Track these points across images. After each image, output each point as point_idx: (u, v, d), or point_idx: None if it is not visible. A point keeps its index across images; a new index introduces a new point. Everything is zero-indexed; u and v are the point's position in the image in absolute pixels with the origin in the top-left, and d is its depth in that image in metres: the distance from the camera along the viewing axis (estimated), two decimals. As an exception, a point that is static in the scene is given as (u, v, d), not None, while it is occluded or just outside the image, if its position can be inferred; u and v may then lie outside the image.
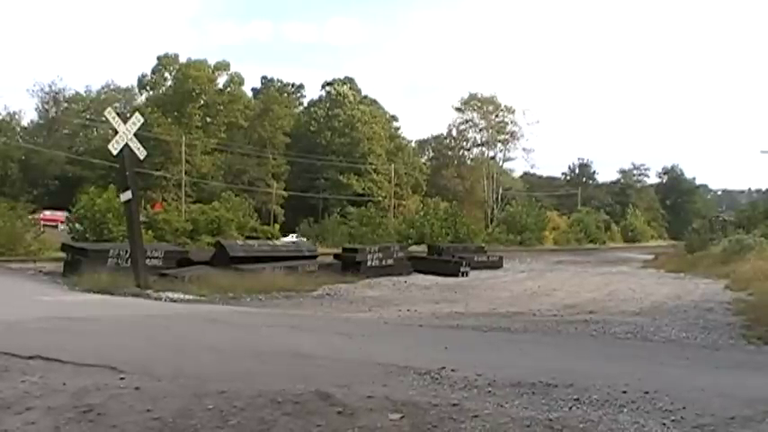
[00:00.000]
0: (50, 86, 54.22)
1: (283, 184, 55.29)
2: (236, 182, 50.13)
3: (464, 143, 67.93)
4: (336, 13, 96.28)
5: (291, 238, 36.38)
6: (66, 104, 55.96)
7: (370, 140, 58.09)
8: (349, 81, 60.87)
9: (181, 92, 52.97)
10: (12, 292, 12.27)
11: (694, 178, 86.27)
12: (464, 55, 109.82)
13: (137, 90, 57.63)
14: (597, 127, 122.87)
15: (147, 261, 15.00)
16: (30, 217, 21.94)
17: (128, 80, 77.70)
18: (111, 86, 58.68)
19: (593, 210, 66.49)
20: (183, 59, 54.39)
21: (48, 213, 34.40)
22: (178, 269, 16.01)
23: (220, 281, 14.75)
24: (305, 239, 25.73)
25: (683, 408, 4.44)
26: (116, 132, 14.37)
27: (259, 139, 55.97)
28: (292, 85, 64.18)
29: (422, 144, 69.56)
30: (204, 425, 3.88)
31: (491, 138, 66.26)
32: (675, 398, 4.67)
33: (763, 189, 68.41)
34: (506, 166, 70.71)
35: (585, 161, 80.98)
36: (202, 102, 55.00)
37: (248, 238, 27.26)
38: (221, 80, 56.08)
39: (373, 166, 57.34)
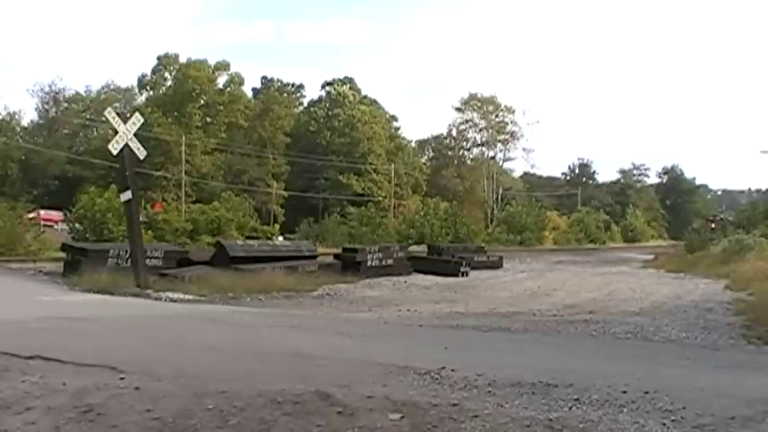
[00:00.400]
0: (50, 86, 54.31)
1: (283, 184, 55.29)
2: (236, 182, 50.14)
3: (464, 143, 68.01)
4: (337, 13, 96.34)
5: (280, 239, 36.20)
6: (66, 104, 55.98)
7: (370, 140, 58.10)
8: (349, 81, 60.90)
9: (181, 92, 52.98)
10: (12, 292, 12.28)
11: (694, 178, 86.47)
12: (464, 55, 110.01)
13: (137, 90, 57.70)
14: (597, 127, 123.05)
15: (147, 261, 15.00)
16: (25, 216, 21.90)
17: (128, 80, 77.85)
18: (111, 86, 58.76)
19: (593, 210, 66.46)
20: (183, 59, 54.47)
21: (43, 213, 34.37)
22: (178, 269, 16.01)
23: (220, 281, 14.75)
24: (292, 240, 25.60)
25: (683, 408, 4.44)
26: (116, 132, 14.37)
27: (259, 139, 55.97)
28: (292, 85, 64.23)
29: (422, 144, 69.60)
30: (204, 425, 3.88)
31: (491, 138, 66.29)
32: (675, 398, 4.67)
33: (763, 189, 68.53)
34: (506, 166, 70.85)
35: (585, 161, 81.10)
36: (202, 102, 55.01)
37: (248, 238, 27.26)
38: (221, 80, 56.16)
39: (373, 166, 57.34)
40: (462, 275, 20.99)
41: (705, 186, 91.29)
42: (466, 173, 64.81)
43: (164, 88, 54.99)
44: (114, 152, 14.40)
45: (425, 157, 68.96)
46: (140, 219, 18.09)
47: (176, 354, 6.22)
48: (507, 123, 65.95)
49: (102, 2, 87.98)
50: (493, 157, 67.18)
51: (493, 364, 5.94)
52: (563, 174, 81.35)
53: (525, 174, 76.32)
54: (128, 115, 15.77)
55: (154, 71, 55.08)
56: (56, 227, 30.71)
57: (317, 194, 54.79)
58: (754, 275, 16.70)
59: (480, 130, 66.50)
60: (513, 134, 66.12)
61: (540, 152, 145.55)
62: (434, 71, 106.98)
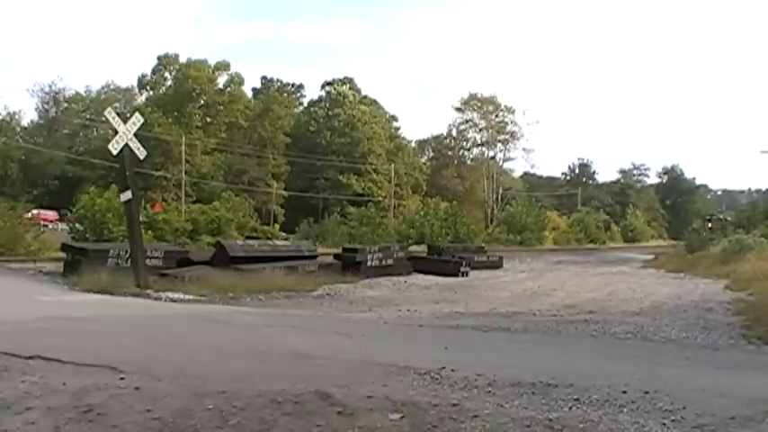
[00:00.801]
0: (50, 86, 54.42)
1: (283, 184, 55.30)
2: (236, 182, 50.15)
3: (464, 143, 68.05)
4: (337, 13, 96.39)
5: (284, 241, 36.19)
6: (66, 104, 56.04)
7: (370, 140, 58.11)
8: (349, 81, 60.91)
9: (181, 92, 53.02)
10: (12, 292, 12.27)
11: (694, 178, 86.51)
12: (464, 55, 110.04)
13: (137, 90, 57.78)
14: (597, 127, 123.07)
15: (147, 261, 14.99)
16: (25, 216, 21.89)
17: (128, 80, 78.00)
18: (111, 86, 58.84)
19: (593, 210, 66.47)
20: (183, 59, 54.55)
21: (36, 213, 34.32)
22: (178, 269, 16.00)
23: (220, 281, 14.74)
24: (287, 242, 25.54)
25: (683, 408, 4.44)
26: (116, 132, 14.36)
27: (259, 139, 55.99)
28: (292, 85, 64.23)
29: (422, 144, 69.62)
30: (204, 425, 3.88)
31: (491, 138, 66.31)
32: (675, 398, 4.67)
33: (764, 189, 68.50)
34: (506, 166, 70.88)
35: (585, 161, 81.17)
36: (202, 102, 55.06)
37: (248, 238, 27.22)
38: (221, 80, 56.21)
39: (373, 166, 57.35)
40: (462, 275, 20.98)
41: (705, 186, 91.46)
42: (466, 173, 64.82)
43: (164, 88, 55.03)
44: (114, 152, 14.39)
45: (425, 157, 68.99)
46: (140, 219, 18.08)
47: (176, 354, 6.22)
48: (507, 123, 66.06)
49: (102, 2, 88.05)
50: (493, 157, 67.26)
51: (493, 364, 5.94)
52: (563, 174, 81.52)
53: (525, 174, 76.43)
54: (128, 115, 15.76)
55: (154, 71, 55.14)
56: (50, 226, 30.70)
57: (317, 194, 54.80)
58: (754, 275, 16.69)
59: (480, 130, 66.59)
60: (513, 134, 66.25)
61: (540, 152, 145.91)
62: (434, 71, 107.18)
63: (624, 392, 4.82)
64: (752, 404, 4.60)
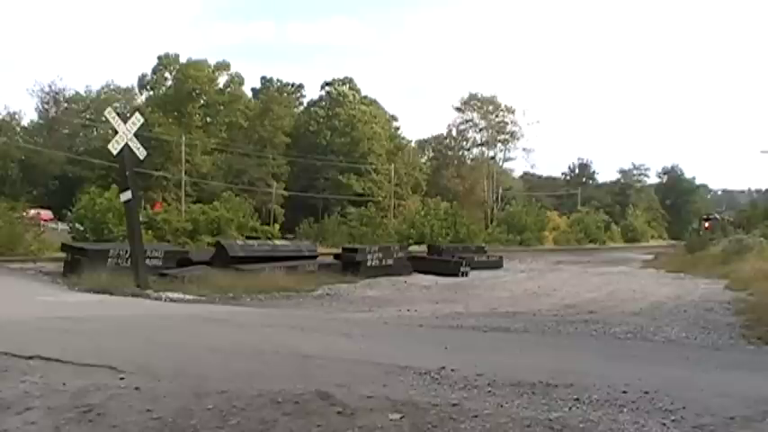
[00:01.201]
0: (50, 86, 54.44)
1: (283, 184, 55.29)
2: (236, 182, 50.13)
3: (464, 143, 68.09)
4: (337, 13, 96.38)
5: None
6: (66, 104, 56.05)
7: (370, 140, 58.12)
8: (349, 81, 60.89)
9: (181, 92, 53.03)
10: (12, 292, 12.26)
11: (694, 178, 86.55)
12: (464, 55, 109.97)
13: (137, 90, 57.85)
14: (597, 127, 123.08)
15: (147, 261, 14.98)
16: (25, 216, 21.88)
17: (128, 80, 78.02)
18: (111, 86, 58.84)
19: (593, 210, 66.50)
20: (183, 59, 54.51)
21: (32, 213, 34.21)
22: (178, 269, 15.99)
23: (220, 281, 14.74)
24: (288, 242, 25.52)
25: (683, 408, 4.44)
26: (116, 132, 14.35)
27: (259, 139, 56.00)
28: (292, 85, 64.23)
29: (422, 144, 69.60)
30: (204, 425, 3.88)
31: (491, 138, 66.34)
32: (675, 398, 4.67)
33: (764, 189, 68.48)
34: (506, 166, 70.96)
35: (585, 161, 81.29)
36: (202, 102, 55.09)
37: (248, 238, 27.18)
38: (222, 80, 56.21)
39: (373, 166, 57.35)
40: (462, 275, 20.97)
41: (705, 186, 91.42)
42: (466, 173, 64.84)
43: (164, 88, 55.05)
44: (114, 152, 14.38)
45: (425, 157, 68.97)
46: (140, 219, 18.08)
47: (176, 354, 6.22)
48: (507, 123, 66.10)
49: (102, 2, 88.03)
50: (493, 157, 67.29)
51: (493, 364, 5.93)
52: (563, 174, 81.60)
53: (525, 174, 76.55)
54: (128, 115, 15.75)
55: (154, 71, 55.16)
56: (48, 226, 30.63)
57: (317, 194, 54.79)
58: (754, 275, 16.70)
59: (480, 130, 66.63)
60: (513, 134, 66.31)
61: (540, 152, 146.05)
62: (435, 71, 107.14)
63: (624, 392, 4.82)
64: (752, 404, 4.60)
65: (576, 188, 74.20)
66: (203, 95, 54.57)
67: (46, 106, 55.21)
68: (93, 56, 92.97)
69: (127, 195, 14.56)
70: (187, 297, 13.00)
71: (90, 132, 55.69)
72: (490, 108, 65.58)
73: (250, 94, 60.60)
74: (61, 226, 29.01)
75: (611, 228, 64.93)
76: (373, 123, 59.30)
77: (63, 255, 16.76)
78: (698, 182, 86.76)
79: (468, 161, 67.91)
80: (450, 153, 68.13)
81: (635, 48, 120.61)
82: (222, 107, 55.39)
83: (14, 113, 52.07)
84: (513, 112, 65.56)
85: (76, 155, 50.74)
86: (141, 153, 14.78)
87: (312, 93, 64.96)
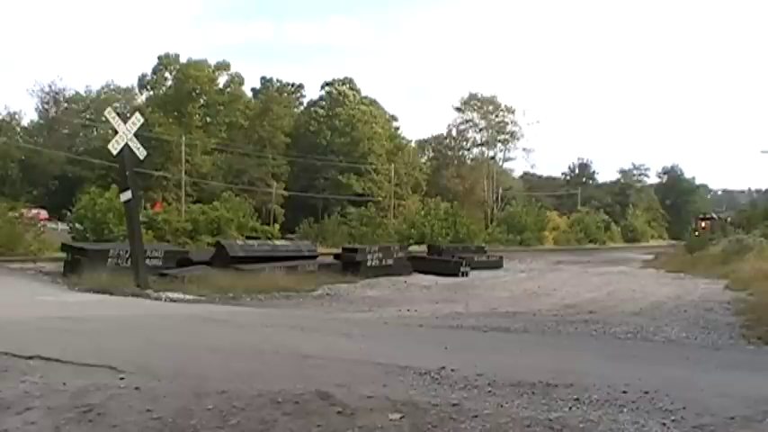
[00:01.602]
0: (50, 86, 54.37)
1: (283, 184, 55.29)
2: (236, 182, 50.11)
3: (464, 143, 68.05)
4: (337, 13, 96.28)
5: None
6: (66, 104, 56.01)
7: (370, 140, 58.09)
8: (349, 81, 60.87)
9: (181, 92, 53.00)
10: (12, 292, 12.26)
11: (694, 178, 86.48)
12: (464, 55, 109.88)
13: (137, 90, 57.77)
14: (597, 127, 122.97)
15: (147, 261, 14.98)
16: (25, 216, 21.90)
17: (128, 80, 77.95)
18: (111, 86, 58.80)
19: (593, 210, 66.50)
20: (183, 59, 54.45)
21: (36, 213, 34.20)
22: (178, 269, 16.00)
23: (220, 281, 14.74)
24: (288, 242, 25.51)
25: (683, 408, 4.44)
26: (116, 132, 14.35)
27: (259, 139, 55.99)
28: (292, 85, 64.21)
29: (422, 144, 69.55)
30: (204, 425, 3.88)
31: (491, 138, 66.31)
32: (675, 398, 4.67)
33: (764, 189, 68.45)
34: (506, 166, 70.89)
35: (585, 161, 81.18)
36: (203, 102, 55.05)
37: (248, 238, 27.19)
38: (222, 80, 56.17)
39: (373, 166, 57.34)
40: (462, 275, 20.98)
41: (705, 186, 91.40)
42: (466, 173, 64.80)
43: (164, 88, 55.00)
44: (114, 152, 14.38)
45: (425, 157, 68.93)
46: (140, 219, 18.07)
47: (176, 354, 6.22)
48: (507, 123, 66.04)
49: (102, 2, 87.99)
50: (493, 157, 67.24)
51: (493, 364, 5.94)
52: (563, 174, 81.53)
53: (525, 174, 76.50)
54: (128, 115, 15.74)
55: (154, 71, 55.10)
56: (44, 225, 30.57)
57: (317, 194, 54.78)
58: (754, 275, 16.70)
59: (480, 130, 66.58)
60: (512, 134, 66.24)
61: (540, 152, 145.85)
62: (434, 71, 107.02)
63: (624, 392, 4.83)
64: (752, 404, 4.60)
65: (576, 188, 74.17)
66: (203, 95, 54.54)
67: (46, 106, 55.21)
68: (93, 56, 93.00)
69: (127, 195, 14.56)
70: (187, 297, 13.01)
71: (90, 132, 55.67)
72: (490, 108, 65.55)
73: (250, 95, 60.60)
74: (61, 226, 28.96)
75: (611, 228, 64.92)
76: (373, 123, 59.28)
77: (63, 255, 16.77)
78: (698, 182, 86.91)
79: (468, 161, 67.88)
80: (450, 153, 68.10)
81: (635, 48, 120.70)
82: (222, 107, 55.37)
83: (14, 113, 52.08)
84: (513, 112, 65.63)
85: (76, 155, 50.72)
86: (141, 153, 14.78)
87: (312, 93, 65.03)
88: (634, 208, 72.59)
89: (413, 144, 67.14)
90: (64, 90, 55.32)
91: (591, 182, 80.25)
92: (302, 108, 63.17)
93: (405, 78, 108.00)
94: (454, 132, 67.51)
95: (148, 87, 55.90)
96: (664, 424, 4.13)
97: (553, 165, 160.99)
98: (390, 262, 20.74)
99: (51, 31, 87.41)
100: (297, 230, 38.61)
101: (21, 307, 9.62)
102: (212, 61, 55.11)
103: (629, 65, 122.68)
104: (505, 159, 69.22)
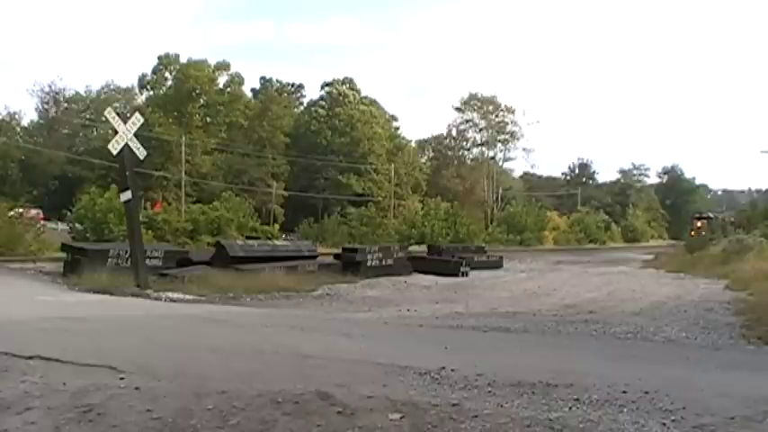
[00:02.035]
0: (50, 86, 54.40)
1: (283, 183, 55.29)
2: (236, 182, 50.12)
3: (464, 143, 68.03)
4: (338, 13, 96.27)
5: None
6: (66, 104, 56.03)
7: (370, 140, 58.11)
8: (348, 81, 60.88)
9: (181, 92, 53.00)
10: (12, 292, 12.26)
11: (694, 178, 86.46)
12: (464, 55, 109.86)
13: (137, 90, 57.75)
14: (597, 127, 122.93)
15: (147, 261, 14.98)
16: (25, 216, 21.91)
17: (128, 80, 77.96)
18: (111, 86, 58.84)
19: (593, 210, 66.48)
20: (183, 59, 54.44)
21: (36, 213, 34.19)
22: (178, 269, 15.99)
23: (220, 281, 14.74)
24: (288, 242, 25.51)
25: (683, 408, 4.45)
26: (116, 132, 14.35)
27: (259, 139, 56.00)
28: (292, 85, 64.23)
29: (422, 144, 69.56)
30: (204, 425, 3.88)
31: (491, 138, 66.29)
32: (675, 398, 4.67)
33: (764, 189, 68.41)
34: (506, 166, 70.88)
35: (585, 161, 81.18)
36: (203, 102, 55.04)
37: (248, 238, 27.20)
38: (222, 80, 56.16)
39: (373, 166, 57.35)
40: (462, 275, 20.98)
41: (705, 186, 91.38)
42: (466, 173, 64.79)
43: (164, 88, 54.99)
44: (114, 152, 14.38)
45: (425, 157, 68.94)
46: (140, 219, 18.07)
47: (176, 354, 6.22)
48: (507, 123, 66.02)
49: (102, 2, 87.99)
50: (493, 157, 67.23)
51: (493, 364, 5.94)
52: (563, 174, 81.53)
53: (525, 174, 76.48)
54: (128, 115, 15.74)
55: (154, 71, 55.09)
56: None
57: (317, 194, 54.79)
58: (754, 275, 16.69)
59: (480, 130, 66.55)
60: (512, 134, 66.21)
61: (540, 152, 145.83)
62: (434, 71, 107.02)
63: (624, 392, 4.83)
64: (752, 404, 4.60)
65: (575, 188, 74.17)
66: (203, 95, 54.54)
67: (46, 106, 55.22)
68: (93, 56, 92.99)
69: (127, 195, 14.56)
70: (187, 297, 13.01)
71: (90, 132, 55.69)
72: (490, 108, 65.53)
73: (250, 95, 60.60)
74: (61, 226, 28.96)
75: (611, 228, 64.91)
76: (373, 123, 59.29)
77: (63, 255, 16.77)
78: (698, 182, 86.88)
79: (468, 161, 67.87)
80: (450, 153, 68.10)
81: (635, 48, 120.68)
82: (222, 107, 55.35)
83: (14, 113, 52.14)
84: (513, 112, 65.60)
85: (76, 155, 50.73)
86: (141, 153, 14.78)
87: (312, 93, 65.07)
88: (634, 208, 72.58)
89: (413, 144, 67.18)
90: (64, 90, 55.43)
91: (591, 182, 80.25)
92: (302, 108, 63.19)
93: (405, 78, 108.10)
94: (454, 132, 67.59)
95: (148, 87, 55.89)
96: (664, 424, 4.14)
97: (553, 165, 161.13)
98: (390, 262, 20.74)
99: (51, 31, 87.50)
100: (297, 230, 38.65)
101: (21, 307, 9.61)
102: (212, 61, 55.19)
103: (628, 65, 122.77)
104: (505, 159, 69.31)
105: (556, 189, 75.28)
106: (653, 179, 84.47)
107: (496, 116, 65.85)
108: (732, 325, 10.44)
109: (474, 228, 41.73)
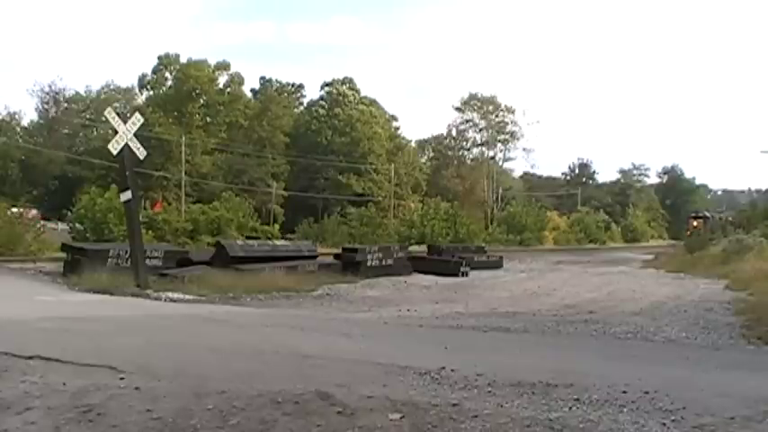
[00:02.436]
0: (50, 86, 54.35)
1: (283, 183, 55.29)
2: (236, 182, 50.12)
3: (464, 143, 67.99)
4: (338, 13, 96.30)
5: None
6: (66, 104, 56.00)
7: (370, 140, 58.09)
8: (348, 81, 60.88)
9: (181, 92, 52.99)
10: (12, 292, 12.26)
11: (694, 178, 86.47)
12: (464, 55, 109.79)
13: (137, 90, 57.74)
14: (597, 127, 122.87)
15: (147, 261, 14.97)
16: (25, 216, 21.92)
17: (128, 80, 77.93)
18: (111, 86, 58.82)
19: (593, 210, 66.47)
20: (183, 59, 54.43)
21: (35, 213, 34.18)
22: (178, 269, 15.99)
23: (220, 281, 14.73)
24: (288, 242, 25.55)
25: (683, 408, 4.45)
26: (116, 132, 14.35)
27: (259, 139, 56.00)
28: (292, 85, 64.21)
29: (422, 144, 69.54)
30: (204, 425, 3.88)
31: (491, 138, 66.26)
32: (675, 398, 4.67)
33: (764, 189, 68.44)
34: (506, 166, 70.83)
35: (585, 161, 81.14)
36: (203, 102, 55.04)
37: (248, 238, 27.21)
38: (222, 80, 56.16)
39: (373, 166, 57.34)
40: (462, 275, 20.97)
41: (705, 186, 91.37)
42: (466, 173, 64.77)
43: (164, 88, 54.99)
44: (114, 152, 14.38)
45: (425, 157, 68.93)
46: (140, 219, 18.07)
47: (176, 354, 6.22)
48: (507, 123, 65.95)
49: (103, 2, 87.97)
50: (493, 157, 67.18)
51: (493, 364, 5.94)
52: (563, 174, 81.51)
53: (525, 174, 76.46)
54: (128, 115, 15.74)
55: (154, 71, 55.08)
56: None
57: (317, 194, 54.78)
58: (754, 275, 16.68)
59: (480, 130, 66.50)
60: (513, 134, 66.15)
61: (540, 152, 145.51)
62: (434, 71, 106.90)
63: (624, 392, 4.83)
64: (752, 404, 4.60)
65: (576, 188, 74.15)
66: (203, 95, 54.54)
67: (46, 106, 55.20)
68: (93, 56, 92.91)
69: (127, 195, 14.56)
70: (187, 297, 13.00)
71: (90, 132, 55.68)
72: (490, 108, 65.50)
73: (250, 95, 60.60)
74: (61, 226, 28.96)
75: (612, 228, 64.88)
76: (373, 123, 59.28)
77: (63, 255, 16.76)
78: (698, 182, 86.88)
79: (468, 161, 67.84)
80: (450, 153, 68.08)
81: (635, 48, 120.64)
82: (222, 107, 55.36)
83: (14, 113, 52.16)
84: (513, 112, 65.55)
85: (76, 155, 50.73)
86: (141, 153, 14.78)
87: (312, 93, 64.99)
88: (634, 208, 72.57)
89: (413, 144, 67.18)
90: (64, 90, 55.40)
91: (591, 182, 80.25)
92: (302, 108, 63.18)
93: (405, 78, 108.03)
94: (454, 132, 67.55)
95: (148, 87, 55.88)
96: (664, 424, 4.14)
97: (553, 165, 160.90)
98: (390, 262, 20.73)
99: (51, 31, 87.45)
100: (297, 230, 38.62)
101: (21, 307, 9.61)
102: (212, 61, 55.18)
103: (628, 65, 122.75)
104: (505, 159, 69.26)
105: (556, 189, 75.27)
106: (653, 179, 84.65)
107: (496, 116, 65.84)
108: (732, 325, 10.44)
109: (474, 228, 41.71)
